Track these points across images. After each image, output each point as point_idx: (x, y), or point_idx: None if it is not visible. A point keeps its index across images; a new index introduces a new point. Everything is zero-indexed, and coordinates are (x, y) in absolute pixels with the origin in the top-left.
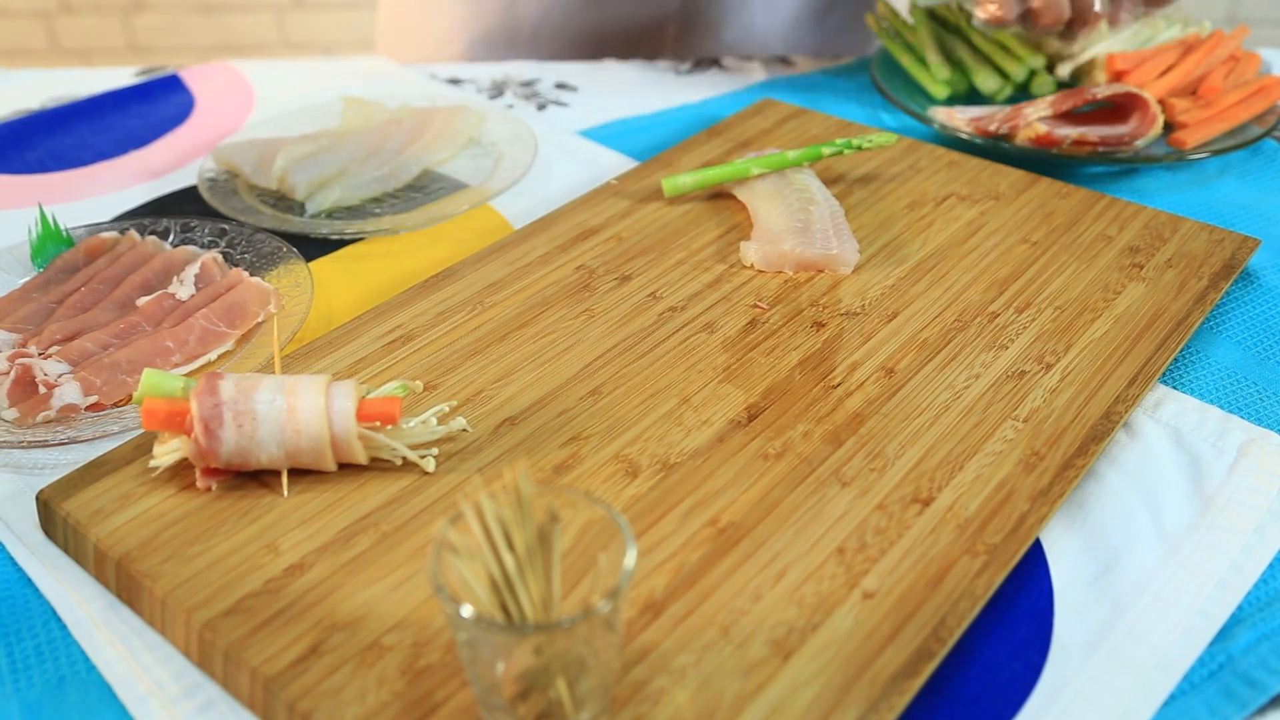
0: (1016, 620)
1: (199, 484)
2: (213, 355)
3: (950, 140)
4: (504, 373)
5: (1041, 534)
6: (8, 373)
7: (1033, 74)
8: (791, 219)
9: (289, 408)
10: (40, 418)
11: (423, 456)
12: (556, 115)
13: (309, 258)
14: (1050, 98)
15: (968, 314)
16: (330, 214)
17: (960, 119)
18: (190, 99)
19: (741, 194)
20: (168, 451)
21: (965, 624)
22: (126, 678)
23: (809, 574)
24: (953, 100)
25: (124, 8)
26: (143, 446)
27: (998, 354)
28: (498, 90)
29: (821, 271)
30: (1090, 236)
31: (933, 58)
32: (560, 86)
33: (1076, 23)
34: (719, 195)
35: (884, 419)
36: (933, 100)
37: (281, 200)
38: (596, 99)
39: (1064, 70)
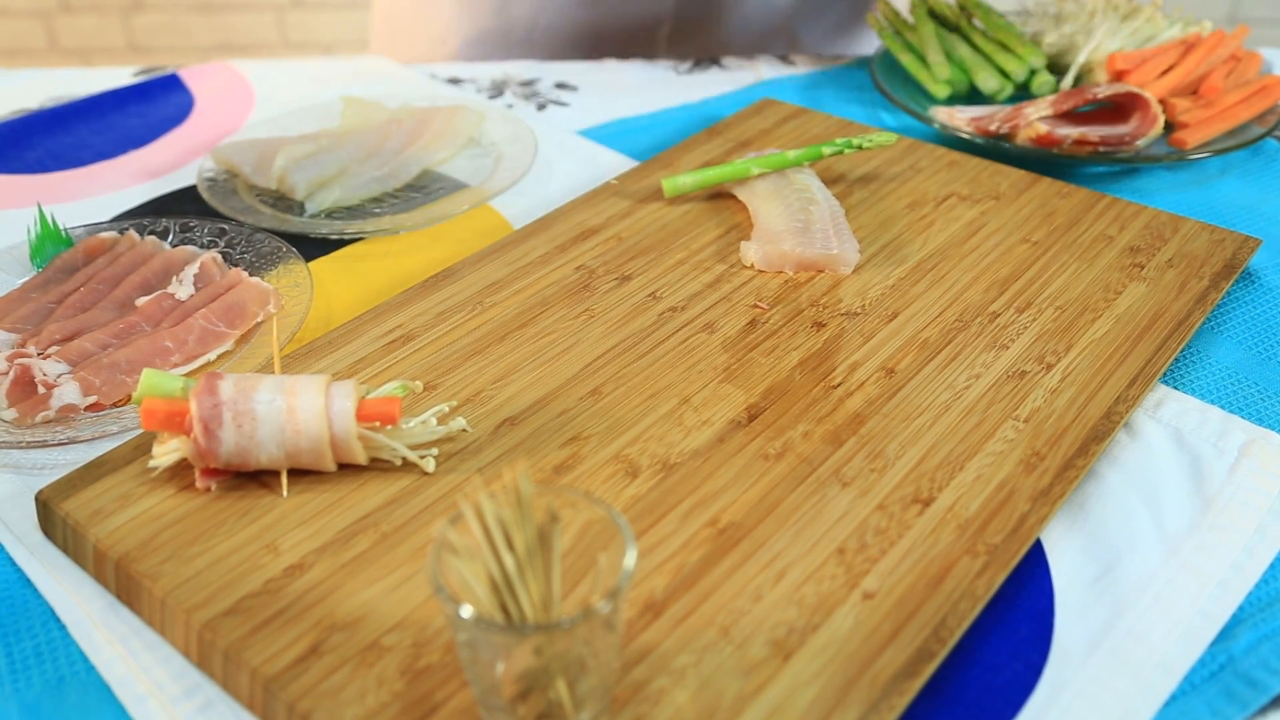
0: (1017, 620)
1: (198, 484)
2: (212, 355)
3: (951, 140)
4: (504, 373)
5: (1042, 534)
6: (7, 373)
7: (1033, 74)
8: (792, 219)
9: (288, 408)
10: (39, 418)
11: (422, 457)
12: (556, 115)
13: (309, 258)
14: (1051, 97)
15: (968, 314)
16: (330, 214)
17: (961, 119)
18: (190, 99)
19: (741, 194)
20: (167, 452)
21: (966, 624)
22: (126, 678)
23: (809, 574)
24: (953, 100)
25: (123, 7)
26: (142, 447)
27: (998, 354)
28: (497, 90)
29: (822, 271)
30: (1091, 236)
31: (933, 57)
32: (560, 86)
33: None
34: (719, 195)
35: (884, 419)
36: (933, 100)
37: (281, 200)
38: (596, 99)
39: (1067, 82)
